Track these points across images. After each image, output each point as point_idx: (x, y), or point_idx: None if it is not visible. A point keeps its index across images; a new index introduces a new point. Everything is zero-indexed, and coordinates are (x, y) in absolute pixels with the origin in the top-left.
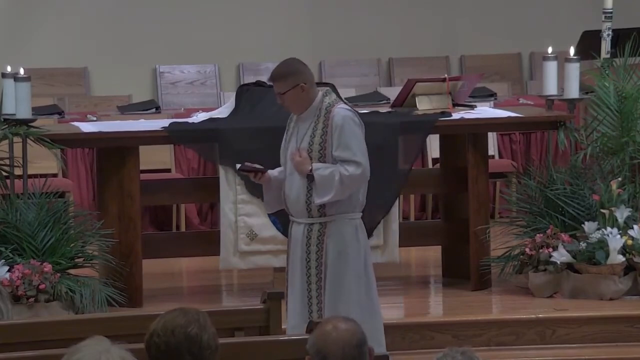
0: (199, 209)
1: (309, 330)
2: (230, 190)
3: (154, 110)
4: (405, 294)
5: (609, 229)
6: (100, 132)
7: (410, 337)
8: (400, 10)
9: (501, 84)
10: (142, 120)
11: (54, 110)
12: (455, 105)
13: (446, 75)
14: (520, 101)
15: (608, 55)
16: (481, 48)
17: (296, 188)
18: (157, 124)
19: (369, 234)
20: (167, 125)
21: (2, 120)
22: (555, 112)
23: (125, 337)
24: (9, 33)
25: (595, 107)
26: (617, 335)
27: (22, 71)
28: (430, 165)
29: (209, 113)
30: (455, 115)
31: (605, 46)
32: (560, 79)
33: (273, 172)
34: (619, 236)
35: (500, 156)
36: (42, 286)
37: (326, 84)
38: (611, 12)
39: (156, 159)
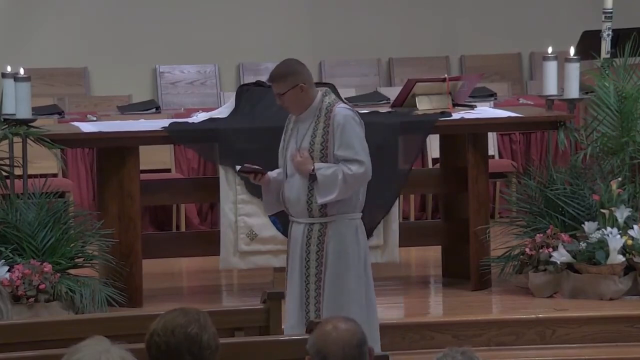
0: (199, 209)
1: (309, 330)
2: (230, 190)
3: (154, 110)
4: (405, 294)
5: (609, 229)
6: (100, 132)
7: (410, 337)
8: (400, 10)
9: (501, 84)
10: (142, 120)
11: (54, 110)
12: (455, 105)
13: (446, 75)
14: (520, 101)
15: (608, 55)
16: (481, 48)
17: (296, 188)
18: (157, 124)
19: (369, 234)
20: (167, 125)
21: (2, 120)
22: (555, 112)
23: (125, 337)
24: (9, 33)
25: (595, 107)
26: (617, 335)
27: (22, 71)
28: (430, 165)
29: (209, 113)
30: (455, 115)
31: (605, 46)
32: (560, 79)
33: (272, 174)
34: (619, 236)
35: (500, 156)
36: (42, 286)
37: (326, 84)
38: (611, 12)
39: (156, 159)
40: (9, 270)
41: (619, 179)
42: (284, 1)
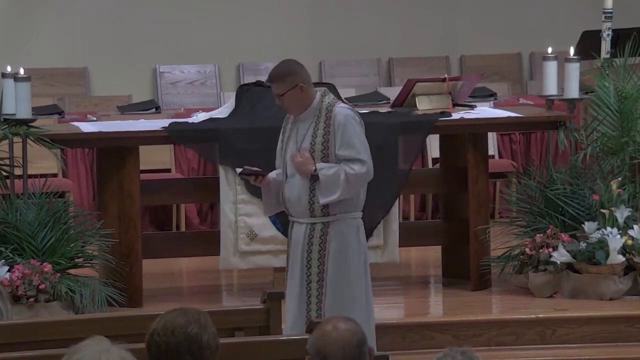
0: (199, 209)
1: (309, 330)
2: (230, 190)
3: (154, 110)
4: (405, 294)
5: (609, 229)
6: (100, 132)
7: (410, 337)
8: (400, 10)
9: (501, 84)
10: (142, 120)
11: (54, 110)
12: (455, 105)
13: (446, 75)
14: (520, 101)
15: (608, 55)
16: (481, 48)
17: (297, 189)
18: (157, 124)
19: (369, 234)
20: (167, 125)
21: (2, 120)
22: (555, 112)
23: (125, 337)
24: (9, 33)
25: (595, 107)
26: (617, 335)
27: (22, 71)
28: (430, 165)
29: (209, 113)
30: (455, 115)
31: (605, 46)
32: (560, 79)
33: (272, 175)
34: (619, 236)
35: (500, 156)
36: (42, 286)
37: (326, 84)
38: (611, 12)
39: (156, 159)
40: (9, 270)
41: (619, 179)
42: (284, 1)
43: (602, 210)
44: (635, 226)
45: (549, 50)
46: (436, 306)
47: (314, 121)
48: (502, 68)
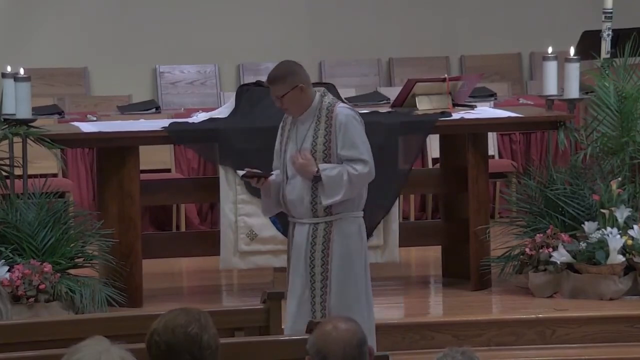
0: (199, 209)
1: (309, 330)
2: (230, 190)
3: (154, 110)
4: (405, 294)
5: (609, 229)
6: (100, 132)
7: (410, 337)
8: (400, 10)
9: (501, 84)
10: (142, 120)
11: (54, 110)
12: (455, 105)
13: (446, 75)
14: (520, 101)
15: (608, 55)
16: (481, 48)
17: (298, 189)
18: (157, 124)
19: (369, 234)
20: (167, 125)
21: (2, 120)
22: (555, 112)
23: (125, 337)
24: (9, 33)
25: (595, 107)
26: (617, 335)
27: (22, 71)
28: (430, 165)
29: (209, 113)
30: (455, 115)
31: (605, 46)
32: (560, 79)
33: (271, 176)
34: (619, 236)
35: (500, 156)
36: (42, 286)
37: (326, 84)
38: (611, 12)
39: (156, 159)
40: (9, 270)
41: (619, 179)
42: (284, 1)
43: (602, 210)
44: (635, 226)
45: (549, 50)
46: (436, 306)
47: (314, 121)
48: (502, 68)
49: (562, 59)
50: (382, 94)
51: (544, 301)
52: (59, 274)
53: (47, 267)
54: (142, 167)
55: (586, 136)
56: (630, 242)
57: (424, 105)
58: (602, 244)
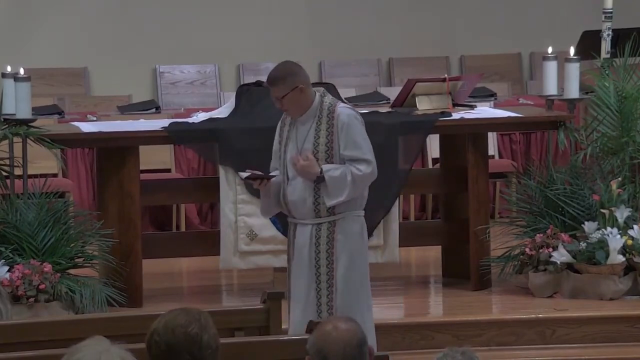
0: (199, 209)
1: (309, 330)
2: (230, 190)
3: (154, 110)
4: (405, 294)
5: (609, 229)
6: (100, 132)
7: (410, 337)
8: (400, 10)
9: (501, 84)
10: (142, 120)
11: (54, 110)
12: (455, 105)
13: (446, 75)
14: (520, 101)
15: (608, 55)
16: (481, 48)
17: (300, 190)
18: (157, 124)
19: (369, 234)
20: (167, 125)
21: (2, 120)
22: (555, 112)
23: (125, 337)
24: (9, 33)
25: (595, 107)
26: (617, 335)
27: (22, 71)
28: (430, 165)
29: (209, 113)
30: (455, 115)
31: (605, 46)
32: (560, 79)
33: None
34: (619, 236)
35: (500, 156)
36: (42, 286)
37: (326, 84)
38: (611, 12)
39: (156, 159)
40: (9, 270)
41: (619, 179)
42: (284, 1)
43: (602, 210)
44: (635, 226)
45: (549, 50)
46: (436, 306)
47: (314, 122)
48: (502, 68)
49: (562, 59)
50: (382, 94)
51: (544, 301)
52: (59, 274)
53: (47, 267)
54: (142, 167)
55: (586, 136)
56: (630, 242)
57: (424, 105)
58: (602, 244)
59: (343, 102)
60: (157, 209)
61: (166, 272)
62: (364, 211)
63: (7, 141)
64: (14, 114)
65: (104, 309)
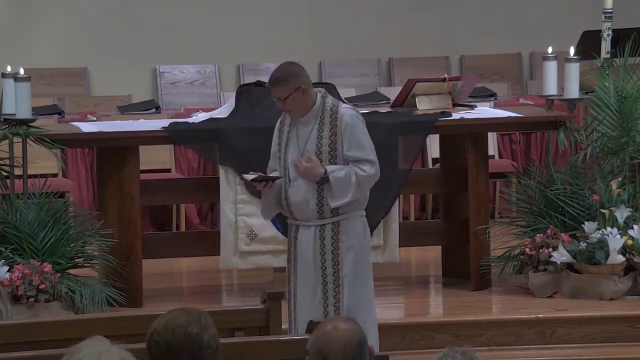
0: (199, 209)
1: (309, 330)
2: (230, 190)
3: (154, 110)
4: (405, 294)
5: (609, 229)
6: (100, 132)
7: (410, 337)
8: (400, 10)
9: (501, 84)
10: (142, 120)
11: (54, 110)
12: (455, 105)
13: (446, 75)
14: (520, 101)
15: (608, 55)
16: (481, 48)
17: (303, 192)
18: (157, 124)
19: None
20: (167, 125)
21: (2, 120)
22: (555, 112)
23: (125, 337)
24: (9, 33)
25: (595, 107)
26: (617, 335)
27: (22, 71)
28: (430, 165)
29: (209, 113)
30: (455, 115)
31: (605, 46)
32: (560, 79)
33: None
34: (619, 236)
35: (500, 156)
36: (42, 286)
37: (326, 84)
38: (611, 12)
39: (156, 159)
40: (9, 270)
41: (619, 179)
42: (284, 1)
43: (602, 210)
44: (635, 226)
45: (549, 50)
46: (436, 306)
47: (316, 123)
48: (502, 68)
49: (562, 59)
50: (382, 94)
51: (544, 301)
52: (59, 274)
53: (47, 267)
54: (142, 167)
55: (586, 136)
56: (630, 242)
57: (424, 105)
58: (602, 244)
59: (344, 102)
60: (157, 209)
61: (166, 272)
62: (365, 211)
63: (7, 141)
64: (14, 114)
65: (104, 309)
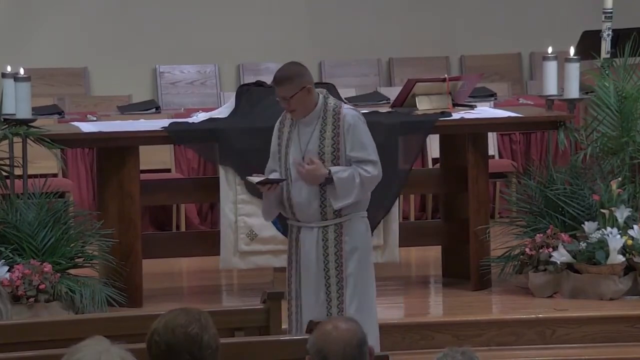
0: (199, 209)
1: (309, 330)
2: (230, 190)
3: (154, 110)
4: (405, 294)
5: (609, 229)
6: (100, 132)
7: (410, 337)
8: (400, 10)
9: (501, 84)
10: (142, 120)
11: (54, 110)
12: (455, 105)
13: (446, 75)
14: (520, 101)
15: (608, 55)
16: (481, 48)
17: (306, 193)
18: (157, 124)
19: None
20: (167, 125)
21: (2, 120)
22: (555, 112)
23: (125, 337)
24: (9, 33)
25: (595, 107)
26: (617, 335)
27: (22, 71)
28: (430, 165)
29: (209, 113)
30: (455, 115)
31: (605, 46)
32: (560, 79)
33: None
34: (619, 236)
35: (500, 156)
36: (42, 286)
37: (326, 84)
38: (611, 12)
39: (156, 159)
40: (9, 270)
41: (619, 179)
42: (284, 1)
43: (602, 210)
44: (635, 226)
45: (549, 50)
46: (436, 306)
47: (318, 123)
48: (502, 68)
49: (562, 59)
50: (382, 94)
51: (544, 301)
52: (59, 274)
53: (47, 267)
54: (142, 167)
55: (586, 136)
56: (630, 242)
57: (424, 105)
58: (602, 244)
59: (345, 102)
60: (157, 209)
61: (166, 272)
62: (366, 212)
63: (7, 141)
64: (14, 114)
65: (104, 309)
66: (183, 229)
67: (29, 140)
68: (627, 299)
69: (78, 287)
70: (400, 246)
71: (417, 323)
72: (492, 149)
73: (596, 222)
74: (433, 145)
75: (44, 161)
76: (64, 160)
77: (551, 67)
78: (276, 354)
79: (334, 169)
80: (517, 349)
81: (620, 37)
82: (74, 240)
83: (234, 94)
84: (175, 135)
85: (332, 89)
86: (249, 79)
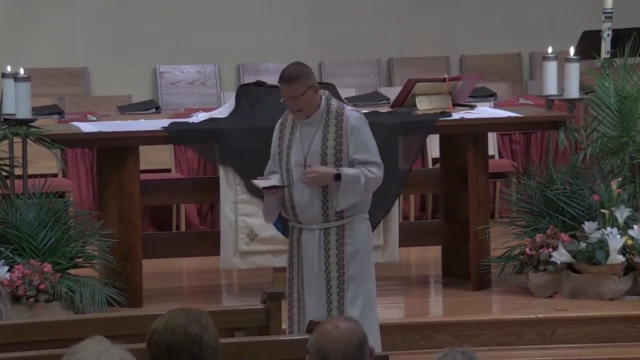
0: (199, 209)
1: (309, 330)
2: (230, 190)
3: (154, 110)
4: (405, 294)
5: (609, 229)
6: (100, 132)
7: (410, 337)
8: (400, 10)
9: (501, 84)
10: (142, 120)
11: (54, 110)
12: (455, 105)
13: (446, 75)
14: (520, 101)
15: (608, 55)
16: (481, 48)
17: (308, 194)
18: (157, 124)
19: None
20: (167, 125)
21: (2, 120)
22: (555, 112)
23: (125, 337)
24: (9, 33)
25: (595, 107)
26: (617, 335)
27: (22, 71)
28: (430, 165)
29: (209, 113)
30: (455, 115)
31: (605, 46)
32: (560, 79)
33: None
34: (619, 236)
35: (500, 156)
36: (42, 286)
37: (326, 84)
38: (611, 12)
39: (156, 159)
40: (9, 270)
41: (619, 179)
42: (284, 1)
43: (602, 210)
44: (635, 226)
45: (549, 50)
46: (436, 306)
47: (321, 124)
48: (502, 68)
49: (562, 59)
50: (382, 94)
51: (544, 301)
52: (59, 274)
53: (47, 267)
54: (142, 167)
55: (586, 136)
56: (630, 242)
57: (424, 105)
58: (602, 244)
59: (346, 104)
60: (157, 209)
61: (166, 272)
62: (368, 213)
63: (7, 141)
64: (14, 114)
65: (104, 309)
66: (183, 229)
67: (29, 140)
68: (627, 299)
69: (78, 287)
70: (400, 246)
71: (417, 323)
72: (492, 149)
73: (596, 222)
74: (433, 145)
75: (44, 161)
76: (64, 160)
77: (551, 67)
78: (276, 354)
79: (341, 168)
80: (517, 349)
81: (620, 37)
82: (74, 240)
83: (234, 94)
84: (175, 135)
85: (332, 89)
86: (249, 79)
